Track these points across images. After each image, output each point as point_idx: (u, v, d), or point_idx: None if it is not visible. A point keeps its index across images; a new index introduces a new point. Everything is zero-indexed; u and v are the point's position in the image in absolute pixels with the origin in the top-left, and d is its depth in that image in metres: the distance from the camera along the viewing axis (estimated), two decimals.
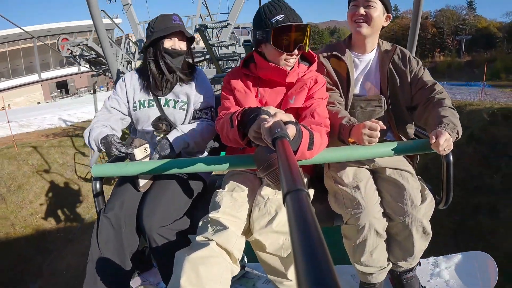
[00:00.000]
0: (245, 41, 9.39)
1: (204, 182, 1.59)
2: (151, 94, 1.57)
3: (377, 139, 1.15)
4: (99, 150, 1.42)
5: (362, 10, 1.36)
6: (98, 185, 1.41)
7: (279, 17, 1.24)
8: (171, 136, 1.45)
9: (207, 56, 8.81)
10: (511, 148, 7.42)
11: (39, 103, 21.56)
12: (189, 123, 1.59)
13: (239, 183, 1.34)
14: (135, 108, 1.58)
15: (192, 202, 1.47)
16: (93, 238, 1.32)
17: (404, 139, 1.49)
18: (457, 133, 1.18)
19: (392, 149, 1.26)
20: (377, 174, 1.40)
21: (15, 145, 8.65)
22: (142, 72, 1.59)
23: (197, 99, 1.59)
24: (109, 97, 1.62)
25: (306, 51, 1.32)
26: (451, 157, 1.25)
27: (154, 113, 1.55)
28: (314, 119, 1.25)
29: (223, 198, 1.25)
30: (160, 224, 1.30)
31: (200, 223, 1.21)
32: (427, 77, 1.43)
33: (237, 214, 1.21)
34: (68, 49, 7.95)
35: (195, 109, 1.60)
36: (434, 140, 1.13)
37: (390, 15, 1.43)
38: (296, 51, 1.28)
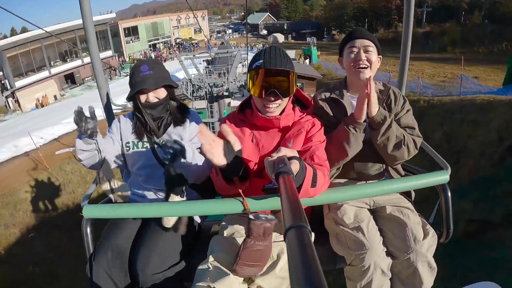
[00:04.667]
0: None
1: (199, 227, 1.54)
2: (145, 136, 1.55)
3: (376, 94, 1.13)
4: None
5: (363, 56, 1.41)
6: (89, 228, 1.32)
7: (258, 63, 1.23)
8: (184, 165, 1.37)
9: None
10: None
11: (55, 96, 24.06)
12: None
13: (238, 227, 1.29)
14: (128, 148, 1.56)
15: (187, 247, 1.40)
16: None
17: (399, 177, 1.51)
18: (385, 117, 1.28)
19: (396, 186, 1.26)
20: (377, 213, 1.40)
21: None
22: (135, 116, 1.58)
23: (193, 140, 1.57)
24: (103, 136, 1.59)
25: (285, 96, 1.24)
26: (449, 192, 1.26)
27: (147, 155, 1.53)
28: (314, 162, 1.23)
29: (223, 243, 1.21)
30: (155, 270, 1.23)
31: (199, 269, 1.15)
32: (408, 119, 1.45)
33: None
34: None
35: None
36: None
37: (381, 56, 1.49)
38: (272, 98, 1.23)
